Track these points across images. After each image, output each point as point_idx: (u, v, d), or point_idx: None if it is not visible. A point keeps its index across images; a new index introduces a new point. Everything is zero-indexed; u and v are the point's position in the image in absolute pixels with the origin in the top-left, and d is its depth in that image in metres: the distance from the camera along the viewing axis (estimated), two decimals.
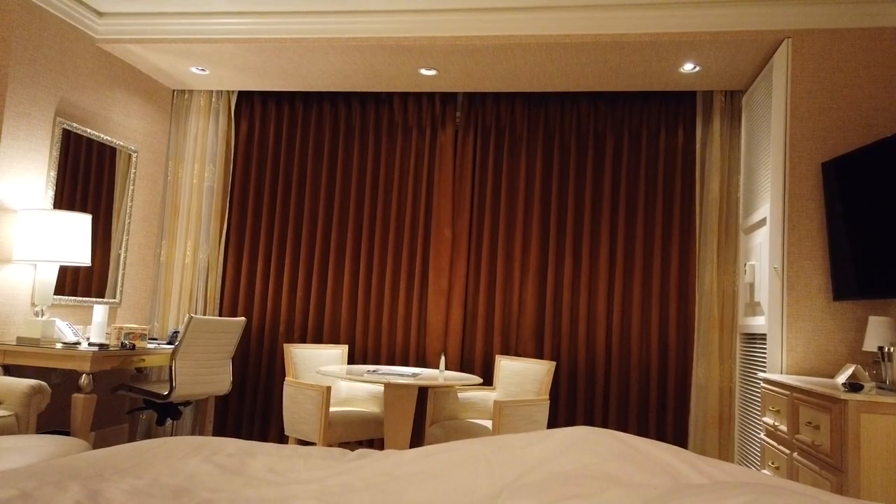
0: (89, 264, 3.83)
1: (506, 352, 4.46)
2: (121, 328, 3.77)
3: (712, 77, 4.09)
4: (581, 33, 3.71)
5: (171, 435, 4.27)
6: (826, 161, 3.33)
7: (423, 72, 4.30)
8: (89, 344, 3.64)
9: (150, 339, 4.44)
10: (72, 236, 3.66)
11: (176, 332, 4.27)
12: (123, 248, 4.46)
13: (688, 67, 3.97)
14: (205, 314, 4.73)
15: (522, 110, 4.60)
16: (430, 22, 3.86)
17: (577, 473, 1.05)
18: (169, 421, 4.57)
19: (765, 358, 3.55)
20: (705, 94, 4.35)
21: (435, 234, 4.59)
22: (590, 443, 1.22)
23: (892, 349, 2.67)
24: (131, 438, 4.60)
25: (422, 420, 4.47)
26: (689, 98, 4.40)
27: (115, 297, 4.40)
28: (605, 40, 3.70)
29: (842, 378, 2.95)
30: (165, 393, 3.73)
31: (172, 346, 3.95)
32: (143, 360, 3.80)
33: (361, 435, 3.87)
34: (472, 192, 4.63)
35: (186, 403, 4.16)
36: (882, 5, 3.40)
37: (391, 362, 4.57)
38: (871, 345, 3.01)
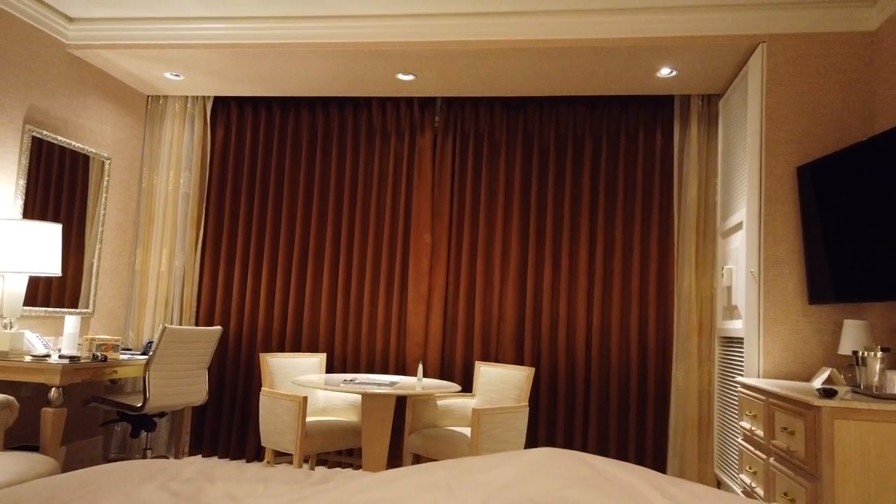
0: (60, 274, 3.76)
1: (486, 358, 4.43)
2: (93, 339, 3.70)
3: (689, 81, 4.10)
4: (558, 38, 3.70)
5: (146, 446, 4.20)
6: (801, 165, 3.34)
7: (401, 77, 4.27)
8: (60, 356, 3.56)
9: (123, 349, 4.37)
10: (41, 246, 3.58)
11: (150, 343, 4.21)
12: (96, 257, 4.39)
13: (665, 72, 3.97)
14: (181, 323, 4.66)
15: (501, 114, 4.59)
16: (407, 27, 3.83)
17: (538, 500, 1.02)
18: (144, 433, 4.50)
19: (742, 361, 3.55)
20: (683, 97, 4.36)
21: (414, 239, 4.56)
22: (553, 466, 1.19)
23: (866, 353, 2.68)
24: (105, 451, 4.52)
25: (401, 428, 4.43)
26: (667, 102, 4.41)
27: (87, 308, 4.32)
28: (583, 45, 3.69)
29: (817, 382, 2.96)
30: (139, 405, 3.66)
31: (146, 357, 3.88)
32: (116, 371, 3.73)
33: (340, 445, 3.82)
34: (451, 197, 4.60)
35: (162, 415, 4.09)
36: (854, 9, 3.41)
37: (371, 370, 4.53)
38: (846, 348, 3.02)
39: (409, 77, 4.26)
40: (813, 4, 3.43)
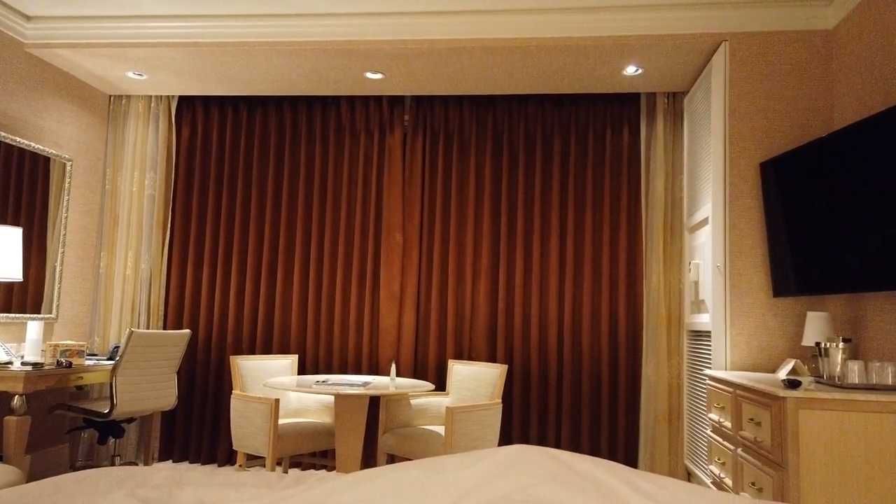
0: (21, 279, 3.66)
1: (459, 356, 4.44)
2: (56, 345, 3.62)
3: (655, 79, 4.15)
4: (526, 37, 3.72)
5: (114, 453, 4.12)
6: (764, 161, 3.41)
7: (369, 75, 4.25)
8: (23, 363, 3.48)
9: (89, 355, 4.28)
10: (1, 251, 3.49)
11: (117, 347, 4.13)
12: (59, 261, 4.29)
13: (631, 70, 4.02)
14: (148, 327, 4.58)
15: (471, 112, 4.59)
16: (374, 26, 3.81)
17: (511, 498, 1.03)
18: (112, 440, 4.41)
19: (710, 354, 3.62)
20: (649, 95, 4.42)
21: (385, 238, 4.54)
22: (525, 464, 1.20)
23: (828, 344, 2.75)
24: (72, 459, 4.42)
25: (375, 429, 4.42)
26: (633, 100, 4.46)
27: (51, 313, 4.22)
28: (550, 44, 3.71)
29: (782, 373, 3.02)
30: (106, 411, 3.59)
31: (113, 362, 3.80)
32: (82, 377, 3.65)
33: (313, 447, 3.80)
34: (421, 196, 4.60)
35: (130, 420, 4.02)
36: (813, 9, 3.49)
37: (343, 371, 4.51)
38: (809, 339, 3.10)
39: (378, 76, 4.25)
40: (773, 3, 3.51)
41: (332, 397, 4.09)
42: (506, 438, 4.38)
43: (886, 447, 2.33)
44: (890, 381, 2.54)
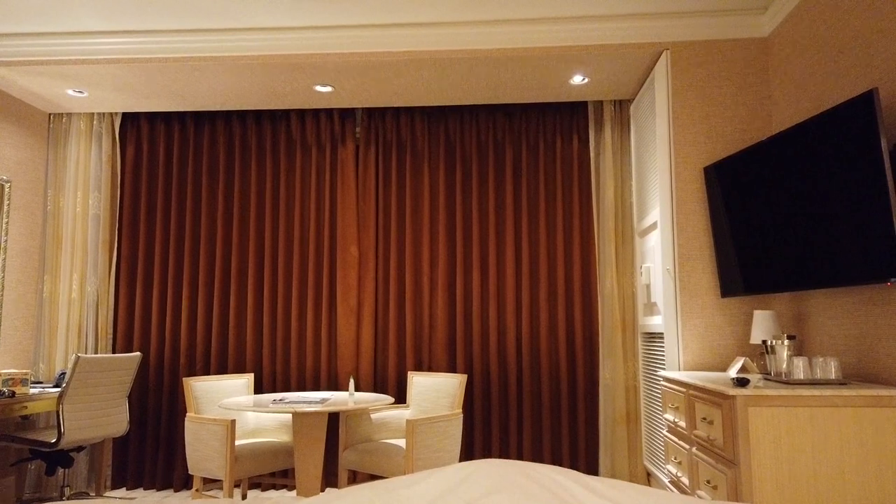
0: None
1: (419, 367, 4.43)
2: None
3: (601, 88, 4.24)
4: (472, 48, 3.75)
5: (63, 484, 3.96)
6: (707, 166, 3.51)
7: (319, 88, 4.22)
8: None
9: (33, 382, 4.12)
10: None
11: (63, 374, 3.98)
12: None
13: (577, 79, 4.09)
14: (97, 351, 4.44)
15: (422, 124, 4.61)
16: (321, 39, 3.80)
17: None
18: (61, 470, 4.25)
19: (664, 356, 3.69)
20: (596, 103, 4.50)
21: (340, 252, 4.51)
22: (478, 476, 1.20)
23: (774, 342, 2.84)
24: (18, 492, 4.24)
25: (335, 445, 4.36)
26: (582, 108, 4.54)
27: None
28: (497, 55, 3.75)
29: (732, 371, 3.11)
30: (53, 440, 3.46)
31: (59, 390, 3.67)
32: (26, 407, 3.52)
33: (273, 466, 3.73)
34: (376, 208, 4.58)
35: (79, 449, 3.88)
36: (748, 17, 3.62)
37: (302, 387, 4.44)
38: (757, 338, 3.19)
39: (328, 88, 4.22)
40: (710, 13, 3.62)
41: (290, 416, 4.02)
42: (467, 448, 4.38)
43: (831, 440, 2.41)
44: (833, 376, 2.63)
